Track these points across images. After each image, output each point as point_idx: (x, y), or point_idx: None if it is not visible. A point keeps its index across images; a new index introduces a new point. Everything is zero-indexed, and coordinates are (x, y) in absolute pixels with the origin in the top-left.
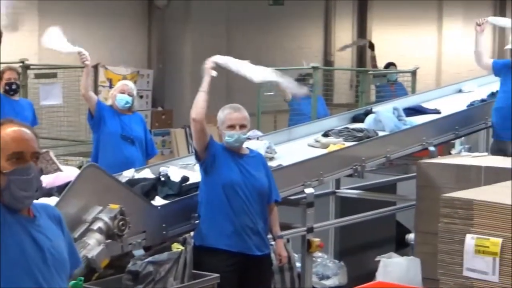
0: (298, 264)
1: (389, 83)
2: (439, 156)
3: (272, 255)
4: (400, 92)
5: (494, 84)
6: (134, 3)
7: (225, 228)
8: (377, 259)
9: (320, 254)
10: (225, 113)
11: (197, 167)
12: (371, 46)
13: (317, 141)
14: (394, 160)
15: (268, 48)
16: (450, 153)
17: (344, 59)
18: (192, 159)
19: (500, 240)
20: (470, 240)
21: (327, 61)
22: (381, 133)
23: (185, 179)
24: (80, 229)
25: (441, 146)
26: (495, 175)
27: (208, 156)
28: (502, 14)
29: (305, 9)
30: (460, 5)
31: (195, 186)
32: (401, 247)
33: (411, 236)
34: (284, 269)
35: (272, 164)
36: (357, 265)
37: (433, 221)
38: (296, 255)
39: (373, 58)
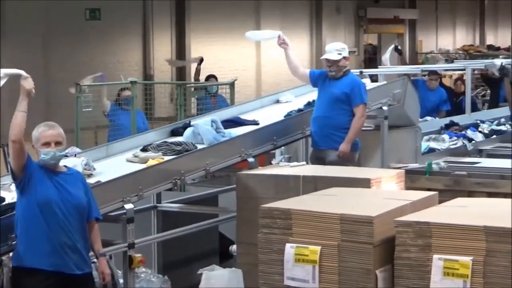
0: (121, 281)
1: (209, 96)
2: (259, 167)
3: (95, 273)
4: (221, 104)
5: (311, 94)
6: None
7: (43, 247)
8: (199, 272)
9: (143, 269)
10: (39, 131)
11: (13, 186)
12: (201, 61)
13: (135, 156)
14: (216, 172)
15: (87, 62)
16: (271, 163)
17: (164, 72)
18: (7, 179)
19: (318, 248)
20: (289, 249)
21: (147, 75)
22: (200, 146)
23: (0, 199)
24: None
25: (262, 157)
26: (313, 184)
27: (25, 175)
28: (318, 24)
29: (123, 24)
30: (277, 16)
31: (12, 206)
32: (226, 258)
33: (234, 248)
34: (107, 286)
35: (90, 180)
36: (182, 278)
37: (254, 232)
38: (119, 272)
39: (198, 71)
